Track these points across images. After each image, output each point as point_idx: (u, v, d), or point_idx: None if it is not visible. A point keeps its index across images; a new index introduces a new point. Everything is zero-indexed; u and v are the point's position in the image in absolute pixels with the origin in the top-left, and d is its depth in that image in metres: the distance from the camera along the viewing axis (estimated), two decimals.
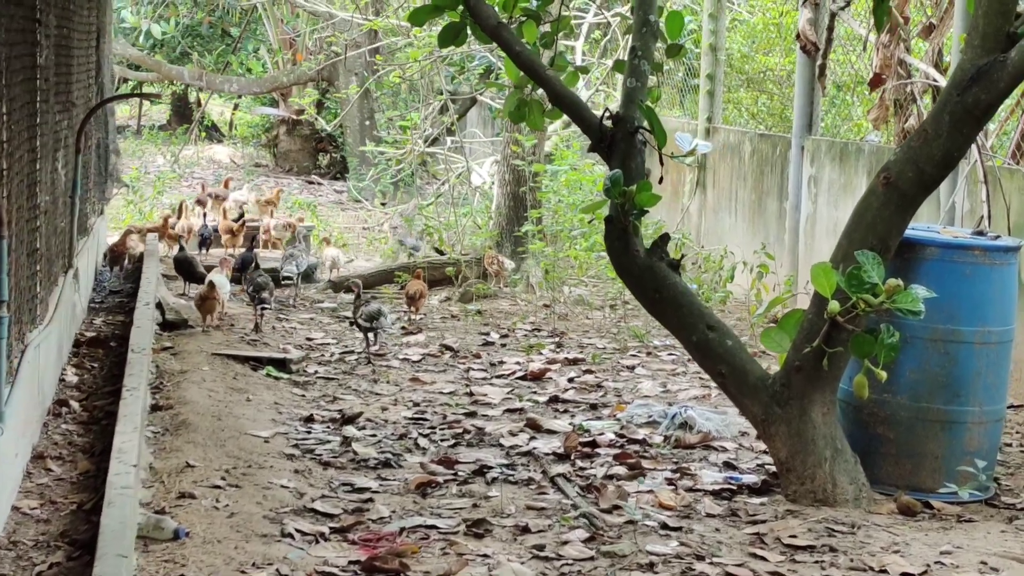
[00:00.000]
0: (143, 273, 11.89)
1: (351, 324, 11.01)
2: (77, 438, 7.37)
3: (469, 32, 7.72)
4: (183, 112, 30.10)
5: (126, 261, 12.84)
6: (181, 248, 12.75)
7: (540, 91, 7.77)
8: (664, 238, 7.26)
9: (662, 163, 7.39)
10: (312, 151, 25.14)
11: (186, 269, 12.41)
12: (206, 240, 13.88)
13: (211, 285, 10.76)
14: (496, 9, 7.78)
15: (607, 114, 7.36)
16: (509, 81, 8.06)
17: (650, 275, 7.15)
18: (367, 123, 21.92)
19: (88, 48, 10.42)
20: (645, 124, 7.22)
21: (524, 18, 8.02)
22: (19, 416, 6.26)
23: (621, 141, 7.27)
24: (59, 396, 8.07)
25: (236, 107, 29.83)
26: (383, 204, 19.67)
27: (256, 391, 9.00)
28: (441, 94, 17.18)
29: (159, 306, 10.88)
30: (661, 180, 7.78)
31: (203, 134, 27.75)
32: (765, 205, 13.35)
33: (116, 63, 24.05)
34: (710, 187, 14.57)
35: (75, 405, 7.92)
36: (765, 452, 7.35)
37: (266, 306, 11.28)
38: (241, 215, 15.19)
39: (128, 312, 10.19)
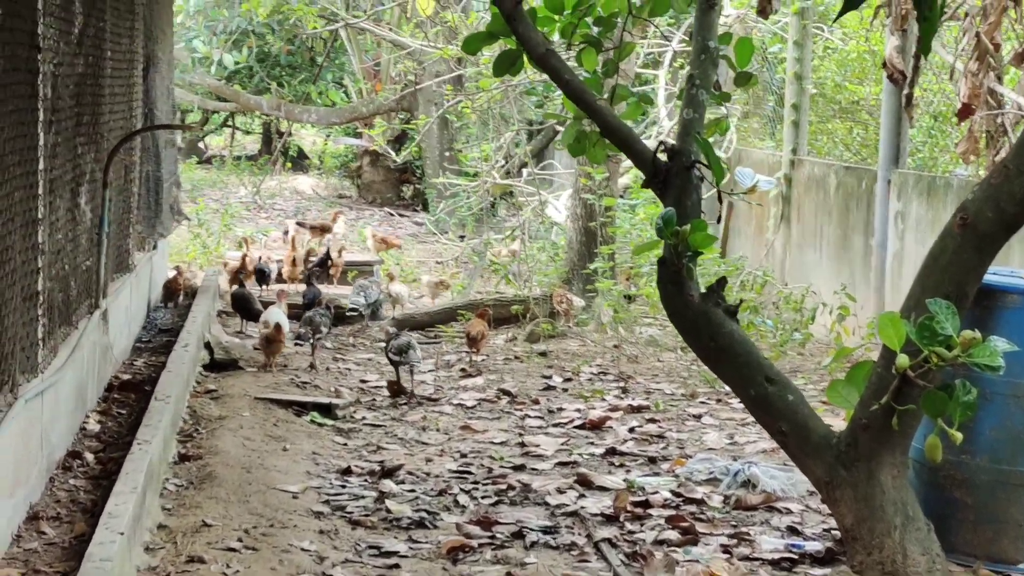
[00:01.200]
0: (191, 311, 11.46)
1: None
2: (83, 495, 6.86)
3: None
4: (273, 142, 29.85)
5: (180, 297, 12.44)
6: (241, 284, 12.37)
7: None
8: (721, 282, 6.68)
9: (720, 200, 6.88)
10: (395, 182, 24.69)
11: (243, 305, 12.05)
12: (266, 276, 13.44)
13: (278, 327, 10.35)
14: (555, 36, 7.29)
15: (662, 147, 6.80)
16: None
17: (705, 322, 6.57)
18: (446, 154, 21.45)
19: (130, 78, 9.97)
20: (702, 158, 6.65)
21: (584, 45, 7.53)
22: (5, 476, 5.78)
23: (676, 176, 6.72)
24: (74, 447, 7.58)
25: (327, 137, 29.52)
26: (461, 237, 19.19)
27: (295, 439, 8.51)
28: (514, 124, 16.67)
29: (207, 345, 10.44)
30: (719, 219, 7.21)
31: (288, 164, 27.43)
32: (851, 242, 12.71)
33: (198, 93, 23.90)
34: (794, 222, 13.90)
35: (89, 457, 7.41)
36: None
37: (299, 342, 11.16)
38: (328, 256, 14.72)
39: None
